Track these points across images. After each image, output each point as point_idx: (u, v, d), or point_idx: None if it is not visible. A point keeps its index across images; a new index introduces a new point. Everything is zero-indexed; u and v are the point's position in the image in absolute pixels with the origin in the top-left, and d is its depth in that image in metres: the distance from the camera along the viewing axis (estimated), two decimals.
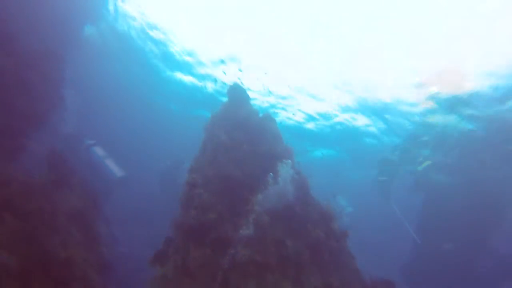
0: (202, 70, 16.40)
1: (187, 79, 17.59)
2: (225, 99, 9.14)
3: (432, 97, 2.96)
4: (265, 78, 14.39)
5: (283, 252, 5.89)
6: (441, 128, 3.01)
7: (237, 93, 8.98)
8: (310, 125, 18.82)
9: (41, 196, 4.56)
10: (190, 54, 15.52)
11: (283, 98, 16.58)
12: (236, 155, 7.35)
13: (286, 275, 5.47)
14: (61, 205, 4.80)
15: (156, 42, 15.36)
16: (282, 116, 18.10)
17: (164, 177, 9.58)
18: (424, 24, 10.57)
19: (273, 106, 17.36)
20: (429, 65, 9.74)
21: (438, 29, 10.48)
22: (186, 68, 16.63)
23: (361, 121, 17.42)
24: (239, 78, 10.71)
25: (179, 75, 17.54)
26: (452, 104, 2.89)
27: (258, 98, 16.59)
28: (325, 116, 17.65)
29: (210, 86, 17.46)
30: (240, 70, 12.44)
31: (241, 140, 7.61)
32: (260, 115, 9.04)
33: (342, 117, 17.37)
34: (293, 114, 18.03)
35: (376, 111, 16.21)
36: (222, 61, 14.85)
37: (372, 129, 17.97)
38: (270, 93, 15.88)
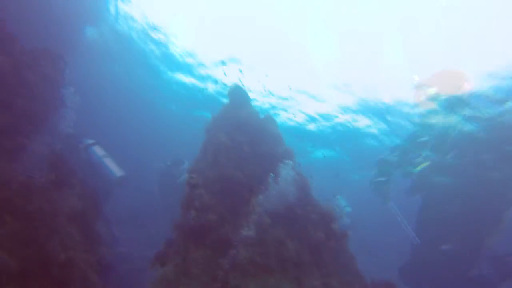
0: (202, 71, 16.41)
1: (188, 80, 17.60)
2: (225, 100, 9.13)
3: (432, 98, 2.96)
4: (265, 79, 14.39)
5: (284, 253, 5.88)
6: (440, 129, 3.01)
7: (237, 95, 8.97)
8: (310, 126, 18.81)
9: (41, 196, 4.56)
10: (190, 55, 15.54)
11: (284, 99, 16.57)
12: (237, 156, 7.34)
13: (287, 276, 5.46)
14: (61, 205, 4.79)
15: (157, 43, 15.38)
16: (283, 117, 18.09)
17: (163, 177, 9.56)
18: (424, 24, 10.57)
19: (273, 107, 17.35)
20: (429, 65, 9.76)
21: (438, 29, 10.48)
22: (187, 69, 16.64)
23: (362, 122, 17.41)
24: (239, 79, 10.71)
25: (180, 76, 17.55)
26: (452, 105, 2.89)
27: (258, 99, 16.58)
28: (325, 117, 17.63)
29: (210, 87, 17.47)
30: (241, 71, 12.44)
31: (242, 141, 7.61)
32: (261, 116, 9.04)
33: (343, 118, 17.35)
34: (294, 115, 18.01)
35: (377, 112, 16.20)
36: (223, 62, 14.86)
37: (373, 130, 17.96)
38: (270, 94, 15.87)
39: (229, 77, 14.24)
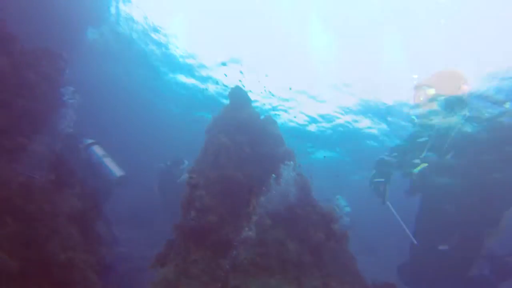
0: (203, 72, 16.42)
1: (188, 80, 17.62)
2: (226, 101, 9.15)
3: (431, 99, 2.95)
4: (266, 80, 14.40)
5: (284, 254, 5.87)
6: (440, 129, 3.00)
7: (238, 96, 8.98)
8: (311, 127, 18.81)
9: (41, 196, 4.56)
10: (191, 56, 15.56)
11: (284, 100, 16.58)
12: (237, 157, 7.34)
13: (287, 277, 5.44)
14: (61, 205, 4.79)
15: (157, 44, 15.41)
16: (283, 118, 18.09)
17: (163, 176, 9.56)
18: (425, 24, 10.59)
19: (274, 108, 17.36)
20: (429, 66, 9.77)
21: (438, 29, 10.48)
22: (187, 69, 16.67)
23: (363, 123, 17.41)
24: (240, 81, 10.72)
25: (180, 77, 17.57)
26: (452, 105, 2.88)
27: (259, 100, 16.59)
28: (326, 118, 17.64)
29: (211, 88, 17.48)
30: (241, 73, 12.46)
31: (242, 142, 7.61)
32: (262, 117, 9.04)
33: (343, 119, 17.36)
34: (294, 117, 18.01)
35: (377, 112, 16.22)
36: (224, 63, 14.88)
37: (374, 131, 17.96)
38: (271, 95, 15.88)
39: (230, 78, 14.26)
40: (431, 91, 3.36)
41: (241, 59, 14.49)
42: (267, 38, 13.08)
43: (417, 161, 3.40)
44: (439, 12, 10.23)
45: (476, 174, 2.94)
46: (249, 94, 9.27)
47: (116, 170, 5.66)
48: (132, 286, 6.91)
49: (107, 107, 21.55)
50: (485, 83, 11.55)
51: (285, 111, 17.60)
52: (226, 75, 14.54)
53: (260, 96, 16.24)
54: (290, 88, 14.80)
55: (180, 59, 15.98)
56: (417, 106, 3.46)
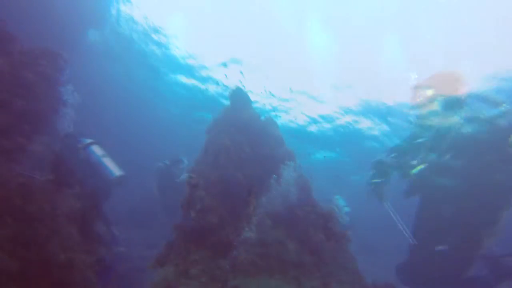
0: (203, 73, 16.43)
1: (189, 81, 17.63)
2: (226, 102, 9.16)
3: (430, 99, 2.95)
4: (266, 80, 14.41)
5: (285, 254, 5.87)
6: (438, 130, 3.00)
7: (238, 97, 8.99)
8: (311, 128, 18.80)
9: (41, 196, 4.56)
10: (192, 56, 15.57)
11: (285, 100, 16.58)
12: (237, 157, 7.35)
13: (287, 277, 5.44)
14: (61, 205, 4.80)
15: (158, 45, 15.42)
16: (283, 119, 18.08)
17: (162, 176, 9.55)
18: (425, 25, 10.58)
19: (275, 108, 17.35)
20: (430, 66, 9.76)
21: (438, 30, 10.48)
22: (188, 70, 16.68)
23: (363, 123, 17.40)
24: (240, 82, 10.73)
25: (181, 77, 17.58)
26: (450, 106, 2.88)
27: (259, 101, 16.60)
28: (327, 119, 17.62)
29: (211, 89, 17.49)
30: (242, 73, 12.45)
31: (243, 143, 7.62)
32: (262, 118, 9.05)
33: (344, 120, 17.35)
34: (295, 118, 18.00)
35: (378, 113, 16.21)
36: (224, 64, 14.88)
37: (375, 132, 17.94)
38: (271, 95, 15.88)
39: (230, 78, 14.26)
40: (430, 92, 3.35)
41: (242, 59, 14.50)
42: (267, 39, 13.08)
43: (415, 162, 3.40)
44: (440, 12, 10.22)
45: (474, 174, 2.94)
46: (250, 95, 9.28)
47: (115, 170, 5.64)
48: (131, 286, 6.92)
49: (108, 108, 21.58)
50: (485, 83, 11.54)
51: (286, 111, 17.59)
52: (226, 76, 14.54)
53: (260, 97, 16.25)
54: (291, 90, 14.80)
55: (181, 60, 15.99)
56: (415, 107, 3.47)
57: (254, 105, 10.80)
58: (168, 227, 6.04)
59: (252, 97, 9.61)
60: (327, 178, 20.07)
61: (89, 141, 5.77)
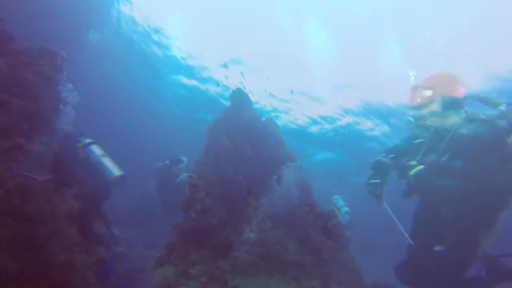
0: (204, 73, 16.45)
1: (189, 82, 17.65)
2: (227, 102, 9.16)
3: (428, 100, 2.93)
4: (267, 81, 14.41)
5: (285, 255, 5.87)
6: (436, 131, 2.98)
7: (239, 98, 9.00)
8: (312, 129, 18.79)
9: (40, 197, 4.56)
10: (192, 57, 15.59)
11: (286, 101, 16.58)
12: (238, 159, 7.35)
13: (287, 277, 5.44)
14: (60, 205, 4.80)
15: (159, 45, 15.45)
16: (284, 120, 18.08)
17: (161, 176, 9.56)
18: (425, 25, 10.57)
19: (275, 109, 17.36)
20: (430, 67, 9.76)
21: (438, 30, 10.48)
22: (188, 71, 16.70)
23: (365, 124, 17.39)
24: (241, 83, 10.73)
25: (181, 78, 17.61)
26: (448, 107, 2.87)
27: (260, 102, 16.60)
28: (328, 119, 17.62)
29: (212, 89, 17.50)
30: (242, 74, 12.46)
31: (243, 144, 7.62)
32: (263, 119, 9.05)
33: (345, 121, 17.34)
34: (295, 119, 18.00)
35: (379, 114, 16.19)
36: (225, 65, 14.89)
37: (376, 133, 17.93)
38: (272, 96, 15.89)
39: (231, 79, 14.28)
40: (428, 93, 3.36)
41: (242, 60, 14.51)
42: (268, 39, 13.09)
43: (413, 162, 3.40)
44: (440, 12, 10.22)
45: (473, 175, 2.94)
46: (250, 95, 9.28)
47: (115, 170, 5.63)
48: (131, 286, 6.92)
49: (108, 108, 21.63)
50: (486, 83, 11.53)
51: (286, 112, 17.59)
52: (227, 77, 14.55)
53: (261, 97, 16.26)
54: (292, 91, 14.78)
55: (181, 60, 16.01)
56: (414, 107, 3.47)
57: (255, 106, 10.81)
58: (168, 227, 6.03)
59: (253, 98, 9.62)
60: (329, 179, 20.05)
61: (88, 140, 5.75)
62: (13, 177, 4.37)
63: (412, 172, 3.32)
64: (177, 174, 8.84)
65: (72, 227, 4.83)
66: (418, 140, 3.59)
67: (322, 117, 17.50)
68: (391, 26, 11.11)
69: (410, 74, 4.13)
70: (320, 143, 20.10)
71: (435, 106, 3.35)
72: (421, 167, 3.29)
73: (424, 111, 3.41)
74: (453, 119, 3.27)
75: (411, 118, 3.52)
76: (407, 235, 3.47)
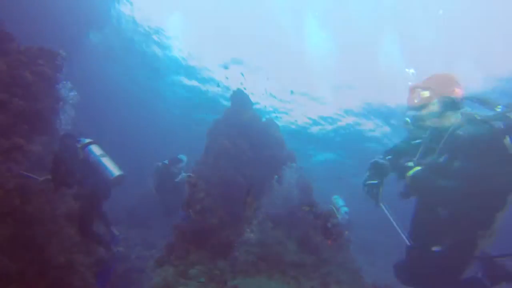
0: (204, 74, 16.45)
1: (190, 82, 17.64)
2: (227, 103, 9.16)
3: (426, 101, 2.95)
4: (267, 81, 14.40)
5: (285, 255, 5.87)
6: (434, 132, 3.00)
7: (239, 98, 9.00)
8: (313, 129, 18.78)
9: (40, 197, 4.56)
10: (193, 57, 15.58)
11: (286, 101, 16.56)
12: (238, 159, 7.35)
13: (287, 277, 5.44)
14: (60, 206, 4.80)
15: (159, 46, 15.45)
16: (285, 120, 18.07)
17: (160, 175, 9.53)
18: (425, 26, 10.57)
19: (276, 110, 17.34)
20: (430, 68, 9.74)
21: (438, 30, 10.47)
22: (189, 71, 16.70)
23: (365, 125, 17.37)
24: (241, 83, 10.71)
25: (182, 79, 17.61)
26: (446, 108, 2.88)
27: (260, 102, 16.59)
28: (328, 120, 17.60)
29: (212, 90, 17.49)
30: (242, 75, 12.45)
31: (244, 145, 7.62)
32: (263, 119, 9.05)
33: (345, 121, 17.32)
34: (296, 120, 17.98)
35: (380, 115, 16.18)
36: (225, 66, 14.88)
37: (376, 133, 17.92)
38: (272, 96, 15.87)
39: (231, 79, 14.27)
40: (426, 94, 3.35)
41: (243, 60, 14.50)
42: (268, 39, 13.08)
43: (411, 163, 3.39)
44: (440, 12, 10.21)
45: (471, 176, 2.93)
46: (250, 96, 9.27)
47: (115, 170, 5.61)
48: (130, 287, 6.91)
49: (108, 108, 21.64)
50: (486, 84, 11.52)
51: (286, 113, 17.58)
52: (227, 78, 14.54)
53: (261, 98, 16.25)
54: (292, 92, 14.77)
55: (181, 61, 16.01)
56: (412, 108, 3.46)
57: (255, 107, 10.79)
58: (167, 227, 6.02)
59: (253, 99, 9.61)
60: (328, 179, 20.03)
61: (88, 140, 5.73)
62: (13, 177, 4.37)
63: (410, 173, 3.30)
64: (177, 173, 8.81)
65: (72, 228, 4.83)
66: (416, 141, 3.58)
67: (323, 118, 17.47)
68: (391, 26, 11.10)
69: (407, 70, 4.13)
70: (320, 143, 20.07)
71: (434, 107, 3.34)
72: (418, 168, 3.28)
73: (423, 112, 3.40)
74: (452, 120, 3.26)
75: (407, 119, 3.51)
76: (403, 236, 3.45)
